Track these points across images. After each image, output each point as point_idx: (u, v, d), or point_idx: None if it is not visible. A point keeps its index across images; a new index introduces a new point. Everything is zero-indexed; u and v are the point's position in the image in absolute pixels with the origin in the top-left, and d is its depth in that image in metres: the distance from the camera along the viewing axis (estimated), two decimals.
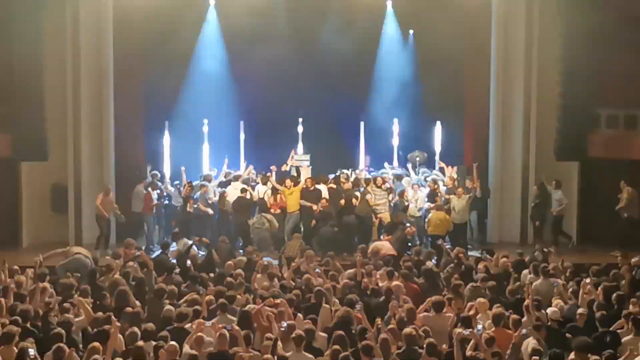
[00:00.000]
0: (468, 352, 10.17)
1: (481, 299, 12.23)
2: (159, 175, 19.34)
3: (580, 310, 11.86)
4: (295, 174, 19.41)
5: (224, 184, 19.24)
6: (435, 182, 19.07)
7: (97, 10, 18.75)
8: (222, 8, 20.73)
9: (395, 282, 13.19)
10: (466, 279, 13.84)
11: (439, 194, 18.46)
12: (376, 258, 15.44)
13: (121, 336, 10.79)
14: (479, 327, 10.63)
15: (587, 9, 18.39)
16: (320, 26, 20.92)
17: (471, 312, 11.77)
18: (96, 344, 10.13)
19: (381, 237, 17.37)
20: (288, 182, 18.51)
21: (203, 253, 16.27)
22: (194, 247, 16.07)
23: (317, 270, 14.17)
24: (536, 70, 19.12)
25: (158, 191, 18.79)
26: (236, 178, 19.07)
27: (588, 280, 13.10)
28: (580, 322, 11.55)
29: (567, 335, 11.09)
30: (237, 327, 10.95)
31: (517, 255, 15.45)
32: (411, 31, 21.92)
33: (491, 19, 19.54)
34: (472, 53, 20.49)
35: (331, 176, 19.68)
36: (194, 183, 18.89)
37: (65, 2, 18.43)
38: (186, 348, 10.43)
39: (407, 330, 10.73)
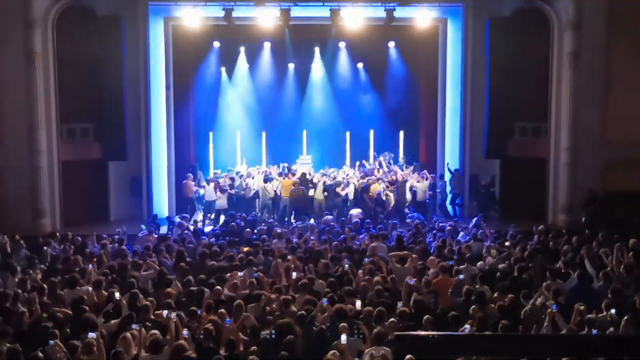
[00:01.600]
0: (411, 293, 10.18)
1: (431, 257, 12.19)
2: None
3: (501, 265, 11.83)
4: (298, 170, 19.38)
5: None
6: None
7: (161, 53, 18.68)
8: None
9: (375, 244, 13.13)
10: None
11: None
12: (350, 220, 15.67)
13: (179, 284, 10.75)
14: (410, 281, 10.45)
15: (506, 50, 18.31)
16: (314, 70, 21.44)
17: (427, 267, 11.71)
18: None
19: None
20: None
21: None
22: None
23: (312, 237, 14.07)
24: (470, 93, 18.89)
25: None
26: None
27: (507, 243, 13.05)
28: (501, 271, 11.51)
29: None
30: (262, 275, 10.92)
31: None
32: (382, 68, 21.74)
33: (437, 56, 19.34)
34: (424, 80, 20.39)
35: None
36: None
37: (139, 51, 18.22)
38: (225, 291, 10.38)
39: (376, 279, 10.69)
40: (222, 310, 9.22)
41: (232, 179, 18.44)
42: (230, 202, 17.81)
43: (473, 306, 9.40)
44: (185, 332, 8.56)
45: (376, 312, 9.12)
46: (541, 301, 9.75)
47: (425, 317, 9.01)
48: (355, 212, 16.54)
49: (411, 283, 10.28)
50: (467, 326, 8.75)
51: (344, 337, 8.12)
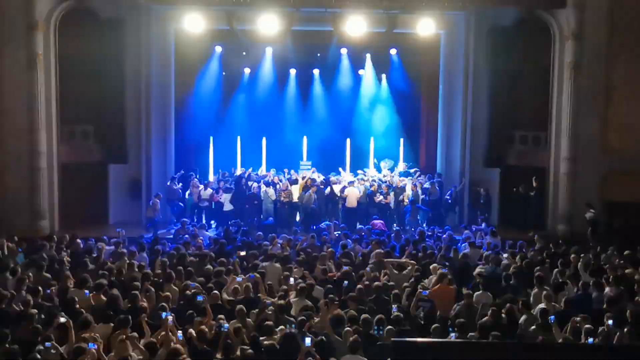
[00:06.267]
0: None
1: (434, 264, 12.18)
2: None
3: (499, 271, 11.84)
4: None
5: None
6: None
7: (163, 57, 18.61)
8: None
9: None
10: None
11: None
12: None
13: (175, 287, 10.73)
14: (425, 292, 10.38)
15: (507, 59, 18.37)
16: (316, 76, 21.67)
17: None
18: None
19: None
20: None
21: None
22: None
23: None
24: (470, 102, 18.91)
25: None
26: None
27: (506, 255, 13.06)
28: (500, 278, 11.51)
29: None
30: (259, 277, 10.89)
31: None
32: (384, 75, 21.83)
33: (439, 64, 19.38)
34: (425, 87, 20.48)
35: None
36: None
37: (141, 54, 18.26)
38: (224, 295, 10.37)
39: (377, 283, 10.66)
40: (221, 315, 9.20)
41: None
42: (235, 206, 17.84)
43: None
44: (179, 334, 8.55)
45: (369, 317, 9.11)
46: (539, 310, 9.74)
47: (433, 326, 9.01)
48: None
49: (425, 294, 10.20)
50: (453, 334, 8.72)
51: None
